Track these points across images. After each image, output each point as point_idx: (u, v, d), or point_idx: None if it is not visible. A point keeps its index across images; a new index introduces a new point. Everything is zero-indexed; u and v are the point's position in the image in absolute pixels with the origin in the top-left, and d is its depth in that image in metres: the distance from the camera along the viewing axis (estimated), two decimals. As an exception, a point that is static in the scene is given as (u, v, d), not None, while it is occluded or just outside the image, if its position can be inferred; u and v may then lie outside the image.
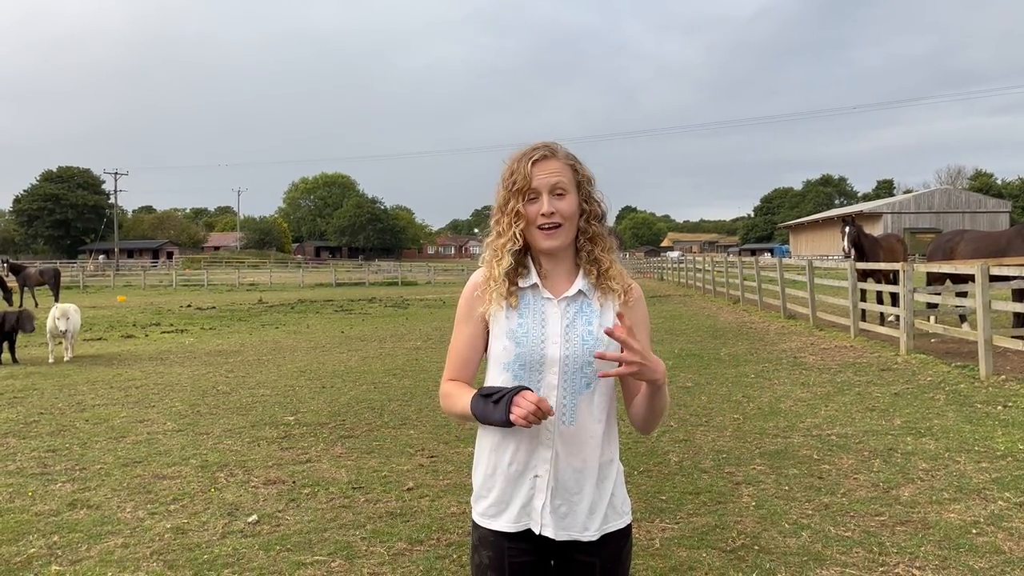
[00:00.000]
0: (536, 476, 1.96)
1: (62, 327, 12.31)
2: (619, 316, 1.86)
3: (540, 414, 1.79)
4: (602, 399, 1.98)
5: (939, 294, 12.59)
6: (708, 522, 4.73)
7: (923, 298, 11.87)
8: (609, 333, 1.82)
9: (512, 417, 1.80)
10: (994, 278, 9.90)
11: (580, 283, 2.01)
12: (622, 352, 1.83)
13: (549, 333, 1.96)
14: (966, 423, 6.92)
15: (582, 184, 2.02)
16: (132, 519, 4.93)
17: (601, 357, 1.86)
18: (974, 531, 4.45)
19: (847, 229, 15.13)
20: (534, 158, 1.97)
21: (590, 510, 1.97)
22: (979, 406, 7.58)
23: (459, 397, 2.00)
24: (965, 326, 12.38)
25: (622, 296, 2.02)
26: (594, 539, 1.97)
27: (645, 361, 1.81)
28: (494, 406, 1.85)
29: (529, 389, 1.85)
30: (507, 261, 1.98)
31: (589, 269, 2.02)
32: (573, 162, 2.02)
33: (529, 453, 1.96)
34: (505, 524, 1.98)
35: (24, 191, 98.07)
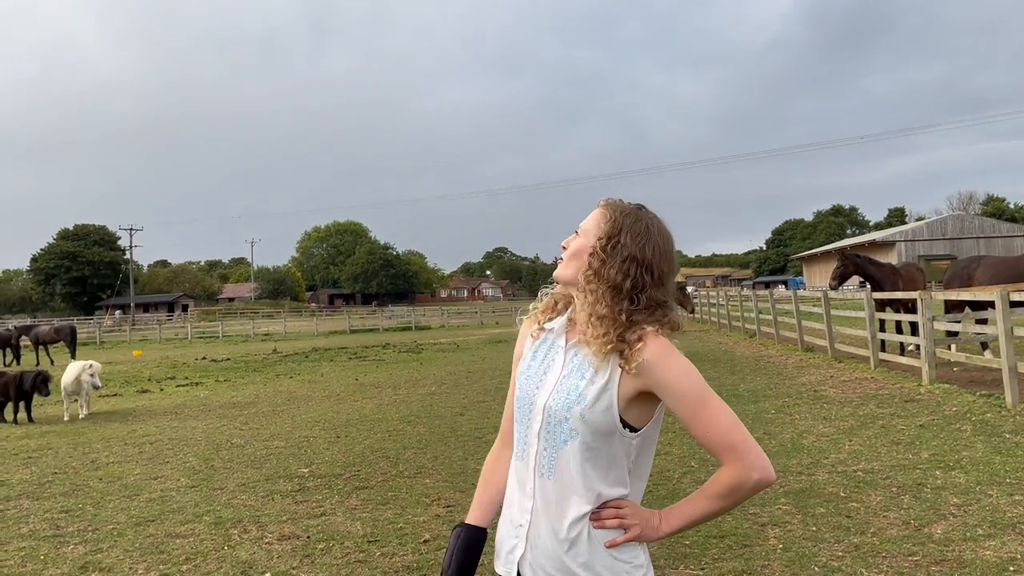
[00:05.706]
0: (520, 526, 1.93)
1: (98, 383, 12.86)
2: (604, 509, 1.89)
3: None
4: (577, 456, 1.84)
5: (959, 322, 12.39)
6: (735, 567, 4.58)
7: (943, 326, 11.69)
8: (595, 518, 1.85)
9: None
10: (1014, 303, 9.74)
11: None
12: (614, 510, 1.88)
13: (547, 380, 1.91)
14: (996, 454, 6.74)
15: (603, 239, 1.89)
16: (144, 581, 4.83)
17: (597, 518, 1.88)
18: (1011, 568, 4.28)
19: (837, 263, 15.79)
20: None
21: (560, 568, 1.85)
22: (1008, 436, 7.39)
23: (479, 488, 2.14)
24: (987, 353, 12.16)
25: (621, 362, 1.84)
26: None
27: (637, 522, 1.85)
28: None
29: None
30: (560, 289, 2.05)
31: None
32: (613, 215, 1.92)
33: (518, 504, 1.95)
34: (499, 567, 2.01)
35: (41, 250, 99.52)
